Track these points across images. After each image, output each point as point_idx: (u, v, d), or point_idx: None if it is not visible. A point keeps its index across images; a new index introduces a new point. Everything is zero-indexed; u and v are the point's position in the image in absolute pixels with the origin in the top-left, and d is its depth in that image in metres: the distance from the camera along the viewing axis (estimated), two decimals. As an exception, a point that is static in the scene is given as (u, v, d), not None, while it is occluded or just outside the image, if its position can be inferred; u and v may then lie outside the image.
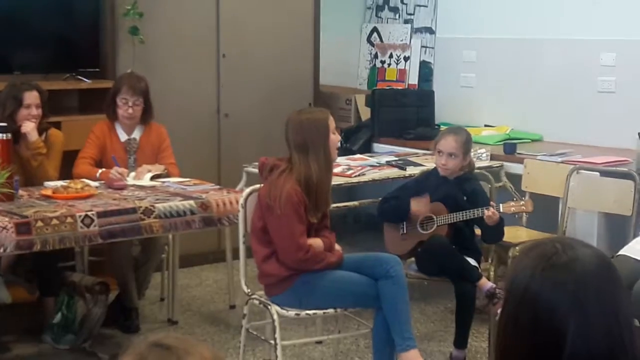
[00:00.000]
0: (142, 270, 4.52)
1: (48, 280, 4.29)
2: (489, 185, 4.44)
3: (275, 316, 3.50)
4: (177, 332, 4.52)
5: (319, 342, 4.28)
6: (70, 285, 4.28)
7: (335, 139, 3.57)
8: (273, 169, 3.50)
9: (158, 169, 4.43)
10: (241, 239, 3.71)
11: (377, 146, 5.84)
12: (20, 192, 3.84)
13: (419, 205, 4.00)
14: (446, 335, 4.48)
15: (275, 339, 3.51)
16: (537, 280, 1.39)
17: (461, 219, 3.98)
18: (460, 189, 4.06)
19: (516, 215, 4.50)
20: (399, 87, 6.45)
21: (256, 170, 4.80)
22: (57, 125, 4.65)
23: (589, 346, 1.35)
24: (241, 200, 3.70)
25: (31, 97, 4.30)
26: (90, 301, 4.25)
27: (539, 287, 1.38)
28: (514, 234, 4.51)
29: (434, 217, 4.02)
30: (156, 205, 3.77)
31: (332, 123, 3.56)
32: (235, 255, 4.83)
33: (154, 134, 4.61)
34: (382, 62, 6.76)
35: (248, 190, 3.71)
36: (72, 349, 4.20)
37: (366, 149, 5.79)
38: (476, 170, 4.36)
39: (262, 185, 3.59)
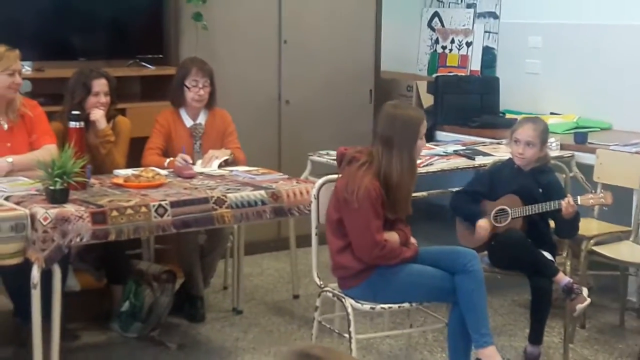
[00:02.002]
0: (208, 258, 4.50)
1: (116, 268, 4.29)
2: (564, 176, 4.32)
3: (349, 309, 3.44)
4: (242, 322, 4.50)
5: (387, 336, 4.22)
6: (137, 274, 4.28)
7: (421, 144, 3.48)
8: (352, 161, 3.42)
9: (224, 153, 4.39)
10: (314, 231, 3.65)
11: (440, 134, 5.75)
12: (92, 180, 3.82)
13: (483, 228, 3.89)
14: (515, 330, 4.40)
15: (350, 333, 3.45)
16: None
17: (536, 212, 3.87)
18: (535, 181, 3.95)
19: (592, 208, 4.39)
20: (462, 74, 6.33)
21: (321, 159, 4.79)
22: (122, 112, 4.63)
23: None
24: (314, 191, 3.64)
25: (100, 85, 4.28)
26: (158, 289, 4.25)
27: None
28: (586, 227, 4.39)
29: (509, 209, 3.92)
30: (228, 195, 3.73)
31: (423, 128, 3.46)
32: (299, 244, 4.82)
33: (219, 119, 4.58)
34: (444, 47, 6.65)
35: (321, 180, 3.65)
36: (139, 337, 4.20)
37: (429, 137, 5.68)
38: (550, 162, 4.25)
39: (338, 176, 3.51)
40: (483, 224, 3.90)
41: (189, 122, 4.54)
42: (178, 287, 4.46)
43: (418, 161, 4.58)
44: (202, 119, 4.56)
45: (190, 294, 4.49)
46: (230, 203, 3.71)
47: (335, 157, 3.58)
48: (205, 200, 3.66)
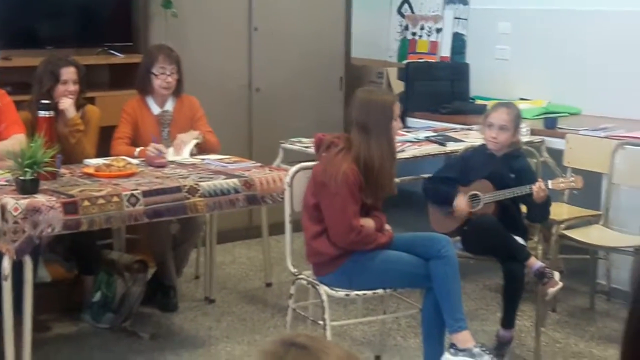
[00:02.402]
0: (182, 248, 4.48)
1: (87, 258, 4.26)
2: (534, 161, 4.35)
3: (324, 296, 3.44)
4: (215, 310, 4.49)
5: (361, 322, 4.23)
6: (109, 264, 4.25)
7: (397, 125, 3.49)
8: (330, 147, 3.43)
9: (192, 135, 4.34)
10: (287, 218, 3.64)
11: (411, 120, 5.75)
12: (62, 170, 3.77)
13: (462, 205, 3.90)
14: (488, 314, 4.43)
15: (324, 320, 3.45)
16: None
17: (508, 197, 3.89)
18: (507, 166, 3.97)
19: (562, 192, 4.42)
20: (432, 60, 6.34)
21: (293, 147, 4.78)
22: (91, 101, 4.59)
23: None
24: (288, 179, 3.63)
25: (68, 73, 4.22)
26: (129, 280, 4.22)
27: None
28: (556, 211, 4.41)
29: (481, 195, 3.93)
30: (200, 183, 3.71)
31: (397, 109, 3.48)
32: (271, 232, 4.81)
33: (187, 106, 4.54)
34: (413, 34, 6.65)
35: (295, 168, 3.64)
36: (111, 328, 4.17)
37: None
38: (519, 146, 4.28)
39: (316, 162, 3.51)
40: (461, 201, 3.91)
41: (156, 110, 4.50)
42: (150, 277, 4.43)
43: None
44: (169, 106, 4.52)
45: (162, 283, 4.46)
46: (203, 192, 3.69)
47: (306, 145, 3.59)
48: (178, 189, 3.64)
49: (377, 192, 3.45)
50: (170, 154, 4.25)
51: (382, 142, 3.41)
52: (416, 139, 4.94)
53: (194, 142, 4.32)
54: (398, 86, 6.05)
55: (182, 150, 4.27)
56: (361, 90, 3.56)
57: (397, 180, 4.77)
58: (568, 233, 4.30)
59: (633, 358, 1.35)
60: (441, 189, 3.99)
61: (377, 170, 3.39)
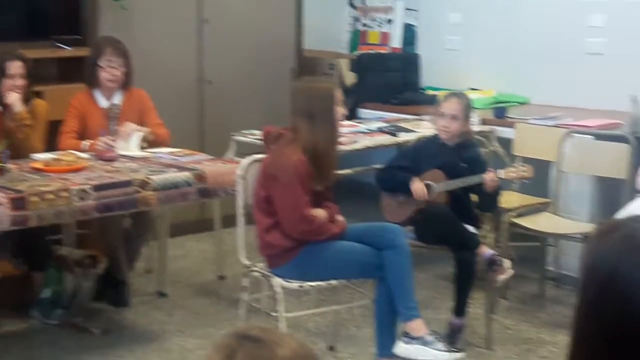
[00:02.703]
0: (134, 243, 4.42)
1: (36, 254, 4.19)
2: (485, 150, 4.40)
3: (278, 288, 3.44)
4: (167, 305, 4.46)
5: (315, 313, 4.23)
6: (58, 259, 4.20)
7: (340, 111, 3.50)
8: (278, 139, 3.43)
9: (140, 127, 4.30)
10: (240, 211, 3.63)
11: (363, 112, 5.77)
12: (9, 165, 3.71)
13: (419, 188, 3.93)
14: (440, 303, 4.46)
15: (278, 312, 3.45)
16: (624, 263, 1.31)
17: (460, 186, 3.93)
18: (459, 156, 4.01)
19: (512, 181, 4.48)
20: (383, 51, 6.36)
21: (245, 139, 4.76)
22: (39, 95, 4.51)
23: None
24: (240, 171, 3.62)
25: (15, 67, 4.15)
26: (80, 275, 4.19)
27: (627, 270, 1.31)
28: (507, 199, 4.47)
29: (433, 184, 3.96)
30: (152, 177, 3.67)
31: (338, 95, 3.50)
32: (223, 225, 4.78)
33: (135, 98, 4.49)
34: (364, 25, 6.66)
35: (247, 160, 3.63)
36: (62, 324, 4.12)
37: (352, 114, 5.71)
38: (469, 136, 4.32)
39: (265, 155, 3.50)
40: (417, 184, 3.93)
41: (104, 103, 4.45)
42: (101, 272, 4.38)
43: (342, 139, 4.64)
44: (117, 99, 4.47)
45: (114, 278, 4.41)
46: (155, 185, 3.66)
47: (259, 137, 3.58)
48: (129, 183, 3.60)
49: (324, 178, 3.46)
50: (121, 148, 4.20)
51: (327, 128, 3.43)
52: (368, 130, 4.96)
53: (140, 134, 4.26)
54: (350, 77, 6.06)
55: (129, 138, 4.21)
56: (299, 80, 3.59)
57: (349, 170, 4.84)
58: (518, 221, 4.35)
59: (582, 343, 1.37)
60: (397, 176, 4.02)
61: (322, 155, 3.41)
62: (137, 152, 4.16)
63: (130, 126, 4.26)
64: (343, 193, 6.12)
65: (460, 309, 3.92)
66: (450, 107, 3.97)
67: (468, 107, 4.02)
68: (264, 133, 3.55)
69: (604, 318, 1.32)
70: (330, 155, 3.47)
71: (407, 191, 3.95)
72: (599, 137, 4.53)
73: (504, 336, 4.10)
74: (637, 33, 5.09)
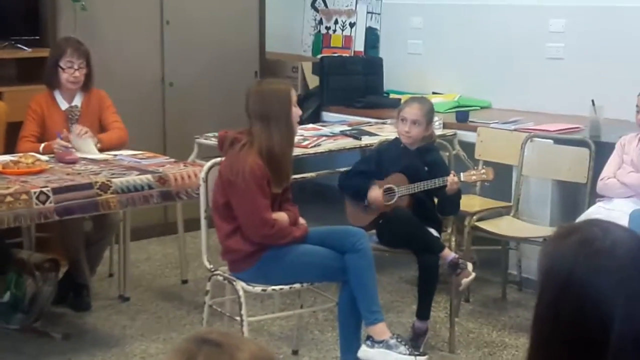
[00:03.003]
0: (95, 246, 4.38)
1: (-5, 258, 4.12)
2: (447, 154, 4.42)
3: (241, 292, 3.42)
4: (129, 309, 4.41)
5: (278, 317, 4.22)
6: (18, 263, 4.12)
7: (296, 112, 3.49)
8: (234, 143, 3.40)
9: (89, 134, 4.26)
10: (202, 214, 3.61)
11: (326, 115, 5.77)
12: (-34, 168, 3.65)
13: (376, 196, 3.94)
14: (403, 306, 4.48)
15: (241, 316, 3.43)
16: (581, 267, 1.34)
17: (422, 189, 3.95)
18: (421, 160, 4.02)
19: (474, 185, 4.51)
20: (346, 54, 6.37)
21: (208, 142, 4.73)
22: (-2, 96, 4.45)
23: (637, 332, 1.32)
24: (202, 174, 3.59)
25: (-28, 68, 4.09)
26: (40, 279, 4.11)
27: (584, 274, 1.34)
28: (468, 203, 4.51)
29: (395, 188, 3.98)
30: (113, 180, 3.64)
31: (294, 96, 3.48)
32: (186, 228, 4.75)
33: (95, 100, 4.46)
34: (327, 28, 6.66)
35: (209, 163, 3.61)
36: (22, 329, 4.05)
37: (315, 117, 5.72)
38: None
39: (222, 159, 3.48)
40: (374, 192, 3.94)
41: (64, 105, 4.40)
42: (62, 276, 4.33)
43: (305, 142, 4.65)
44: (77, 101, 4.42)
45: (75, 282, 4.36)
46: (116, 188, 3.63)
47: (222, 140, 3.55)
48: (89, 186, 3.57)
49: (282, 180, 3.44)
50: (79, 149, 4.15)
51: (282, 129, 3.40)
52: (331, 133, 4.96)
53: (93, 138, 4.23)
54: (313, 81, 6.06)
55: (84, 141, 4.17)
56: (254, 82, 3.58)
57: (313, 174, 4.83)
58: (480, 224, 4.38)
59: (540, 345, 1.39)
60: (355, 183, 4.03)
61: (278, 157, 3.39)
62: (96, 154, 4.11)
63: (80, 129, 4.21)
64: (307, 196, 6.15)
65: (423, 313, 3.94)
66: (412, 112, 3.98)
67: (430, 112, 4.04)
68: (219, 137, 3.52)
69: (561, 320, 1.35)
70: (286, 157, 3.44)
71: (365, 198, 3.97)
72: (559, 141, 4.57)
73: (467, 339, 4.13)
74: (596, 38, 5.15)
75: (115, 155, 4.15)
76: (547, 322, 1.38)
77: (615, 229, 1.39)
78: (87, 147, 4.19)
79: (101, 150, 4.25)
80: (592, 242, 1.36)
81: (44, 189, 3.42)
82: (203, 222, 3.62)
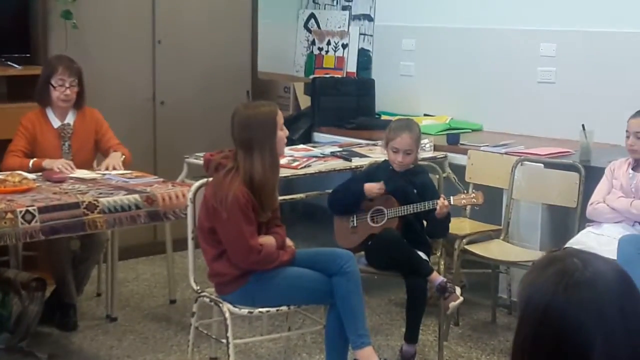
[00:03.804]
0: (83, 266, 4.35)
1: (-19, 277, 4.09)
2: (437, 177, 4.41)
3: (227, 314, 3.40)
4: (116, 329, 4.38)
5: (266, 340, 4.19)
6: (4, 282, 4.08)
7: (282, 135, 3.46)
8: (218, 168, 3.37)
9: (116, 157, 4.34)
10: (190, 235, 3.59)
11: (317, 135, 5.77)
12: (-47, 186, 3.63)
13: (373, 186, 3.94)
14: (392, 329, 4.45)
15: (227, 338, 3.40)
16: (561, 298, 1.32)
17: (412, 212, 3.93)
18: (410, 182, 4.01)
19: (464, 208, 4.49)
20: (338, 75, 6.38)
21: (198, 161, 4.71)
22: (-12, 114, 4.43)
23: None
24: (190, 195, 3.58)
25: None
26: (26, 298, 4.06)
27: (563, 306, 1.32)
28: (458, 226, 4.50)
29: (385, 209, 3.96)
30: (100, 199, 3.62)
31: (280, 118, 3.44)
32: (175, 248, 4.73)
33: (88, 118, 4.46)
34: (320, 49, 6.67)
35: (197, 184, 3.59)
36: (7, 348, 4.01)
37: (306, 138, 5.71)
38: (422, 162, 4.33)
39: (207, 182, 3.45)
40: (370, 184, 3.92)
41: (56, 123, 4.39)
42: (49, 295, 4.29)
43: (295, 163, 4.63)
44: (70, 119, 4.41)
45: (62, 301, 4.33)
46: (103, 208, 3.61)
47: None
48: (76, 206, 3.54)
49: (266, 208, 3.40)
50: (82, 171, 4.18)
51: (266, 156, 3.35)
52: (322, 154, 4.96)
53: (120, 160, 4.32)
54: (305, 101, 6.06)
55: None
56: (240, 105, 3.51)
57: (302, 195, 4.82)
58: (470, 248, 4.36)
59: None
60: (348, 193, 4.01)
61: (259, 186, 3.33)
62: (86, 174, 4.12)
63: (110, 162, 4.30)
64: (297, 217, 6.14)
65: (411, 336, 3.91)
66: (404, 142, 3.96)
67: (420, 137, 4.04)
68: (205, 161, 3.49)
69: (540, 352, 1.34)
70: (270, 185, 3.39)
71: (360, 201, 3.93)
72: (549, 165, 4.56)
73: (455, 363, 4.10)
74: (586, 62, 5.16)
75: (104, 174, 4.12)
76: (526, 353, 1.36)
77: (595, 260, 1.37)
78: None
79: (124, 164, 4.32)
80: (571, 274, 1.34)
81: (30, 208, 3.40)
82: (190, 243, 3.60)
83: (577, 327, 1.31)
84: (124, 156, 4.36)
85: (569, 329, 1.31)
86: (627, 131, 4.06)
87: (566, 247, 3.85)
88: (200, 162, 4.63)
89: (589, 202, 4.14)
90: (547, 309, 1.33)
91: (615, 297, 1.33)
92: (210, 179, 3.48)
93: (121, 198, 3.69)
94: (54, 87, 4.29)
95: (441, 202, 3.84)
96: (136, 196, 3.74)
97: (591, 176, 4.30)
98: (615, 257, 3.66)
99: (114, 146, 4.39)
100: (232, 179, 3.31)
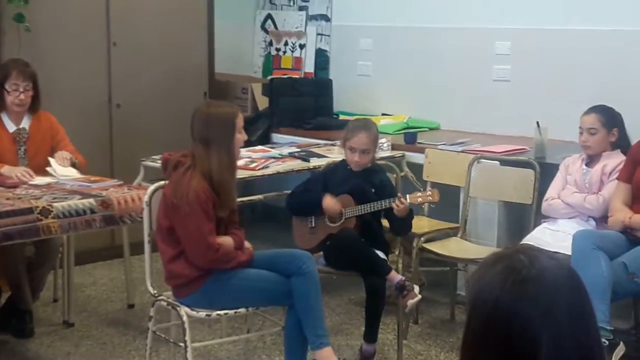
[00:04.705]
0: (38, 272, 4.29)
1: None
2: (394, 176, 4.43)
3: (185, 318, 3.37)
4: (73, 335, 4.33)
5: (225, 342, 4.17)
6: (-42, 290, 4.03)
7: (240, 138, 3.45)
8: (177, 166, 3.36)
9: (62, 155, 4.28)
10: (146, 238, 3.56)
11: (276, 136, 5.76)
12: None
13: (331, 203, 3.93)
14: (352, 329, 4.46)
15: (185, 342, 3.38)
16: (508, 295, 1.34)
17: (369, 211, 3.94)
18: (367, 181, 4.02)
19: (422, 206, 4.51)
20: (296, 76, 6.37)
21: (154, 164, 4.68)
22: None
23: (564, 359, 1.32)
24: (146, 198, 3.54)
25: None
26: (-19, 306, 4.02)
27: (510, 302, 1.33)
28: (417, 224, 4.49)
29: (342, 209, 3.97)
30: (54, 204, 3.57)
31: (240, 121, 3.44)
32: (133, 252, 4.69)
33: (44, 123, 4.41)
34: (277, 49, 6.66)
35: (153, 187, 3.56)
36: (-39, 357, 3.96)
37: (265, 139, 5.70)
38: (380, 161, 4.34)
39: (166, 182, 3.43)
40: (329, 200, 3.92)
41: (11, 127, 4.33)
42: (4, 302, 4.24)
43: (253, 164, 4.62)
44: (25, 123, 4.36)
45: (17, 308, 4.26)
46: (57, 213, 3.56)
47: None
48: (30, 211, 3.50)
49: (224, 205, 3.39)
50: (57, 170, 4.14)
51: (222, 155, 3.36)
52: (280, 155, 4.95)
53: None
54: (263, 102, 6.04)
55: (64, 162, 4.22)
56: (202, 104, 3.54)
57: (260, 196, 4.80)
58: (428, 246, 4.38)
59: None
60: (306, 196, 4.01)
61: (217, 183, 3.34)
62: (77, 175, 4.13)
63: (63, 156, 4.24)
64: (256, 218, 6.12)
65: (371, 335, 3.92)
66: (361, 142, 3.96)
67: (377, 137, 4.05)
68: (163, 160, 3.47)
69: (488, 348, 1.35)
70: (227, 183, 3.38)
71: (317, 210, 3.94)
72: (505, 162, 4.60)
73: (415, 361, 4.12)
74: (541, 60, 5.22)
75: (59, 179, 4.08)
76: (475, 349, 1.38)
77: (542, 257, 1.38)
78: (69, 172, 4.19)
79: (78, 169, 4.28)
80: (518, 270, 1.35)
81: (-18, 214, 3.35)
82: (147, 246, 3.57)
83: (524, 323, 1.32)
84: (71, 156, 4.29)
85: (517, 324, 1.32)
86: (580, 128, 4.11)
87: (522, 244, 3.88)
88: (157, 164, 4.62)
89: (544, 198, 4.19)
90: (494, 306, 1.34)
91: (561, 292, 1.35)
92: (167, 182, 3.45)
93: (76, 202, 3.65)
94: (8, 91, 4.23)
95: (398, 201, 3.85)
96: (91, 200, 3.70)
97: (546, 172, 4.35)
98: (570, 252, 3.70)
99: (71, 152, 4.34)
100: (192, 175, 3.31)
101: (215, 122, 3.39)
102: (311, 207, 3.98)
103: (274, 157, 4.88)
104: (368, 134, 3.98)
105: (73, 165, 4.28)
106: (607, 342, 3.50)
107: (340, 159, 4.20)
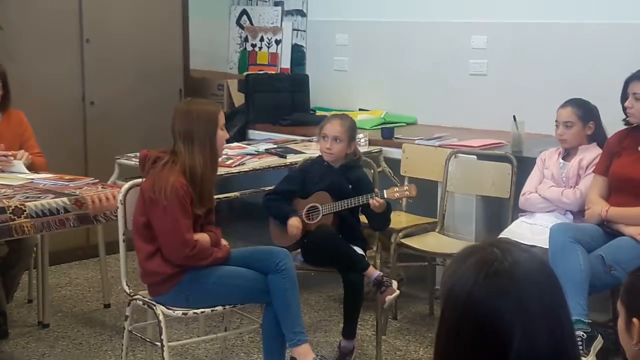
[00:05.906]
0: (11, 273, 4.24)
1: None
2: (372, 171, 4.41)
3: (161, 317, 3.34)
4: (48, 336, 4.28)
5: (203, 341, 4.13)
6: None
7: (223, 135, 3.43)
8: (156, 161, 3.33)
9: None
10: (121, 237, 3.51)
11: (252, 133, 5.73)
12: None
13: (294, 226, 3.91)
14: (331, 325, 4.44)
15: (161, 341, 3.34)
16: (481, 288, 1.34)
17: (346, 207, 3.92)
18: (345, 177, 4.00)
19: (399, 201, 4.50)
20: (272, 72, 6.33)
21: (129, 162, 4.63)
22: None
23: (534, 351, 1.32)
24: (120, 196, 3.50)
25: None
26: (-46, 307, 3.95)
27: (483, 295, 1.34)
28: (395, 220, 4.46)
29: (319, 206, 3.94)
30: (27, 204, 3.52)
31: (222, 119, 3.43)
32: (108, 251, 4.64)
33: (14, 120, 4.36)
34: (253, 45, 6.62)
35: (127, 185, 3.52)
36: None
37: (241, 135, 5.66)
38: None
39: (143, 179, 3.40)
40: (294, 222, 3.91)
41: (-18, 126, 4.27)
42: (-23, 304, 4.18)
43: (229, 161, 4.59)
44: (-4, 121, 4.30)
45: (-10, 309, 4.21)
46: (30, 212, 3.51)
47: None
48: (2, 211, 3.44)
49: (203, 202, 3.37)
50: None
51: (205, 152, 3.34)
52: (256, 152, 4.91)
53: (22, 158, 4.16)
54: (239, 98, 6.00)
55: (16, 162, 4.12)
56: (184, 101, 3.52)
57: (237, 193, 4.77)
58: (406, 241, 4.36)
59: (443, 356, 1.38)
60: (277, 209, 3.99)
61: (200, 179, 3.32)
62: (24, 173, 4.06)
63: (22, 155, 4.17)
64: (233, 215, 6.09)
65: (349, 332, 3.90)
66: (333, 128, 3.95)
67: (352, 129, 4.02)
68: (141, 157, 3.44)
69: (462, 340, 1.36)
70: (208, 180, 3.37)
71: (284, 224, 3.94)
72: (482, 157, 4.59)
73: (394, 357, 4.10)
74: (517, 54, 5.22)
75: (32, 178, 4.02)
76: (449, 341, 1.38)
77: (515, 250, 1.39)
78: (19, 168, 4.13)
79: (37, 169, 4.22)
80: (491, 263, 1.36)
81: (-47, 215, 3.29)
82: (122, 245, 3.52)
83: (497, 316, 1.33)
84: (31, 157, 4.23)
85: (490, 317, 1.33)
86: (556, 121, 4.11)
87: (500, 238, 3.87)
88: (132, 162, 4.59)
89: (522, 192, 4.18)
90: (468, 298, 1.35)
91: (534, 285, 1.35)
92: (144, 179, 3.41)
93: (49, 202, 3.59)
94: (-24, 91, 4.18)
95: (374, 199, 3.82)
96: (64, 199, 3.65)
97: (523, 166, 4.34)
98: (547, 246, 3.70)
99: (33, 155, 4.28)
100: (171, 170, 3.29)
101: (198, 118, 3.37)
102: (282, 220, 3.96)
103: (251, 154, 4.84)
104: (342, 122, 3.97)
105: (28, 167, 4.21)
106: (585, 334, 3.49)
107: (318, 154, 4.17)
